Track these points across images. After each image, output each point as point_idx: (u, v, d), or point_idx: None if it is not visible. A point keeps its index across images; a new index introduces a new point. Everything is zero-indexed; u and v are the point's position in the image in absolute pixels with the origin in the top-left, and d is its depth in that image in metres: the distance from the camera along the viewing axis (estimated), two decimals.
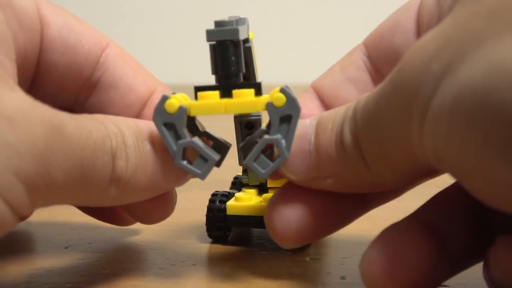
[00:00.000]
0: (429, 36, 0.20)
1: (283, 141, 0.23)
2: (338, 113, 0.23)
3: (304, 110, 0.25)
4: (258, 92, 0.24)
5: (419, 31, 0.25)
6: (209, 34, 0.24)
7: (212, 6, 1.02)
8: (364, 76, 0.27)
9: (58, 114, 0.20)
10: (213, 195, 0.30)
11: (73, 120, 0.20)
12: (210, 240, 0.30)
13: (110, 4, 1.02)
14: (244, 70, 0.24)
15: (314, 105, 0.28)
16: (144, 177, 0.23)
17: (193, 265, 0.27)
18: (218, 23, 0.24)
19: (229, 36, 0.24)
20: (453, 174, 0.20)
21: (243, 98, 0.24)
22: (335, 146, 0.23)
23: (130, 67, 0.26)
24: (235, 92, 0.24)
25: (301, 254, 0.28)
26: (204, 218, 0.29)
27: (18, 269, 0.26)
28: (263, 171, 0.24)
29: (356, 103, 0.22)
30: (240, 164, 0.28)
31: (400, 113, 0.20)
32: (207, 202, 0.31)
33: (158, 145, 0.23)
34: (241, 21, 0.25)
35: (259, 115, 0.27)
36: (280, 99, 0.23)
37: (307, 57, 0.96)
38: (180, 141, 0.23)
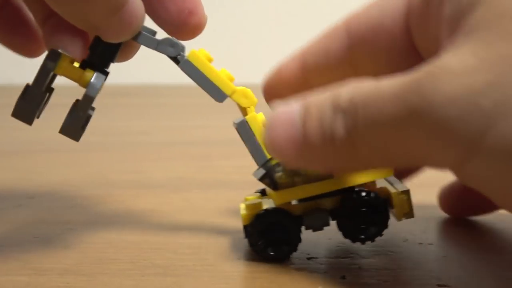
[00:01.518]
0: (466, 62, 0.20)
1: None
2: (325, 101, 0.23)
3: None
4: None
5: (408, 13, 0.26)
6: None
7: (212, 6, 1.02)
8: (342, 59, 0.28)
9: None
10: None
11: None
12: (209, 240, 0.30)
13: None
14: None
15: (295, 76, 0.29)
16: None
17: (192, 265, 0.27)
18: None
19: None
20: (489, 195, 0.21)
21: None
22: (324, 139, 0.22)
23: None
24: None
25: (301, 253, 0.28)
26: (203, 218, 0.29)
27: (18, 269, 0.26)
28: None
29: (348, 98, 0.22)
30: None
31: (424, 138, 0.20)
32: (205, 202, 0.31)
33: None
34: None
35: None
36: None
37: None
38: None
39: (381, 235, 0.27)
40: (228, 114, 0.31)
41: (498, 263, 0.27)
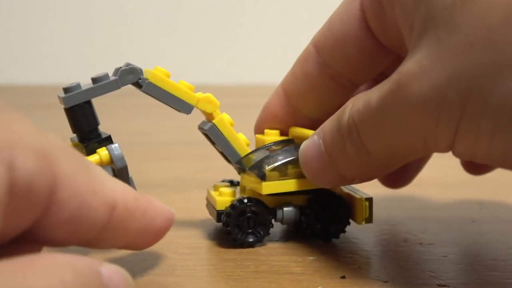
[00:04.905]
0: (423, 64, 0.22)
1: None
2: (334, 124, 0.26)
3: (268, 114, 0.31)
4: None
5: (365, 18, 0.27)
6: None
7: (212, 6, 1.02)
8: (324, 79, 0.29)
9: None
10: None
11: None
12: (209, 240, 0.30)
13: (110, 4, 1.02)
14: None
15: (283, 109, 0.31)
16: None
17: (193, 265, 0.27)
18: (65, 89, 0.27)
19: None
20: (490, 162, 0.23)
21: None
22: (345, 157, 0.26)
23: (129, 221, 0.23)
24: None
25: (301, 253, 0.28)
26: (203, 218, 0.29)
27: None
28: None
29: (349, 115, 0.25)
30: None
31: (419, 118, 0.22)
32: (205, 202, 0.31)
33: None
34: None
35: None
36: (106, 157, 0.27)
37: None
38: None
39: (343, 232, 0.29)
40: (229, 114, 0.31)
41: (498, 263, 0.27)
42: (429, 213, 0.34)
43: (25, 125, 0.19)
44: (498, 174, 0.30)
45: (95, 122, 0.28)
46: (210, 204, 0.31)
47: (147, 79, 0.28)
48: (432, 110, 0.22)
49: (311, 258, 0.28)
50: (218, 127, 0.29)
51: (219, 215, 0.29)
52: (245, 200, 0.29)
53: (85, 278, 0.18)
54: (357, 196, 0.29)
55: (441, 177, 0.29)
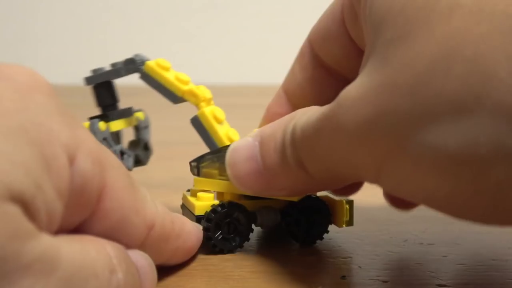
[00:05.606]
0: (359, 91, 0.21)
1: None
2: (277, 131, 0.25)
3: (272, 115, 0.30)
4: None
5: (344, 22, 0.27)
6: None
7: (212, 6, 1.02)
8: (320, 71, 0.29)
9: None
10: None
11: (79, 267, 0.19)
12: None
13: (111, 4, 1.02)
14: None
15: (282, 108, 0.30)
16: None
17: (192, 265, 0.27)
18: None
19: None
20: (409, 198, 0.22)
21: None
22: (281, 166, 0.25)
23: (163, 241, 0.24)
24: None
25: (301, 253, 0.28)
26: None
27: None
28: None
29: (292, 126, 0.24)
30: None
31: (349, 152, 0.22)
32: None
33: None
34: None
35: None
36: None
37: None
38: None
39: (322, 236, 0.29)
40: (228, 114, 0.31)
41: (498, 263, 0.27)
42: (429, 213, 0.34)
43: (86, 132, 0.21)
44: None
45: (111, 100, 0.33)
46: (187, 209, 0.30)
47: (144, 69, 0.32)
48: (358, 142, 0.21)
49: (311, 258, 0.28)
50: (200, 119, 0.31)
51: (198, 220, 0.28)
52: (226, 205, 0.28)
53: (122, 255, 0.21)
54: (337, 199, 0.29)
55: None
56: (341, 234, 0.31)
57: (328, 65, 0.29)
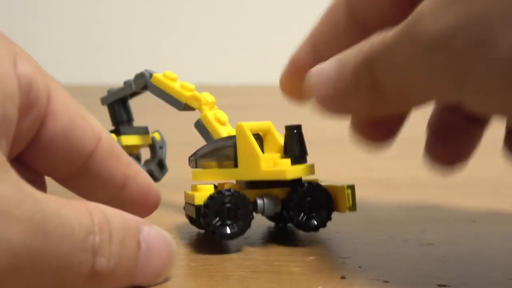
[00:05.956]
0: (436, 3, 0.21)
1: None
2: (355, 53, 0.25)
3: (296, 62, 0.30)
4: None
5: None
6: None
7: (212, 6, 1.02)
8: (354, 29, 0.29)
9: (42, 208, 0.19)
10: None
11: (58, 215, 0.20)
12: (209, 240, 0.30)
13: (110, 4, 1.02)
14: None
15: (308, 58, 0.30)
16: (125, 275, 0.22)
17: (192, 265, 0.27)
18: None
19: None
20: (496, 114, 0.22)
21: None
22: (357, 88, 0.25)
23: (114, 159, 0.26)
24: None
25: (301, 253, 0.28)
26: None
27: None
28: None
29: (369, 46, 0.24)
30: None
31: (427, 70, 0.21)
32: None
33: (142, 244, 0.23)
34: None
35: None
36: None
37: None
38: None
39: (326, 223, 0.29)
40: (230, 114, 0.31)
41: (498, 263, 0.27)
42: (429, 213, 0.34)
43: (24, 50, 0.23)
44: (498, 174, 0.30)
45: (125, 117, 0.38)
46: (188, 205, 0.30)
47: (151, 81, 0.35)
48: (438, 52, 0.21)
49: (311, 258, 0.28)
50: (203, 122, 0.32)
51: (198, 210, 0.28)
52: (224, 191, 0.28)
53: (108, 225, 0.21)
54: (338, 185, 0.29)
55: (439, 177, 0.29)
56: (341, 234, 0.31)
57: (367, 21, 0.28)
